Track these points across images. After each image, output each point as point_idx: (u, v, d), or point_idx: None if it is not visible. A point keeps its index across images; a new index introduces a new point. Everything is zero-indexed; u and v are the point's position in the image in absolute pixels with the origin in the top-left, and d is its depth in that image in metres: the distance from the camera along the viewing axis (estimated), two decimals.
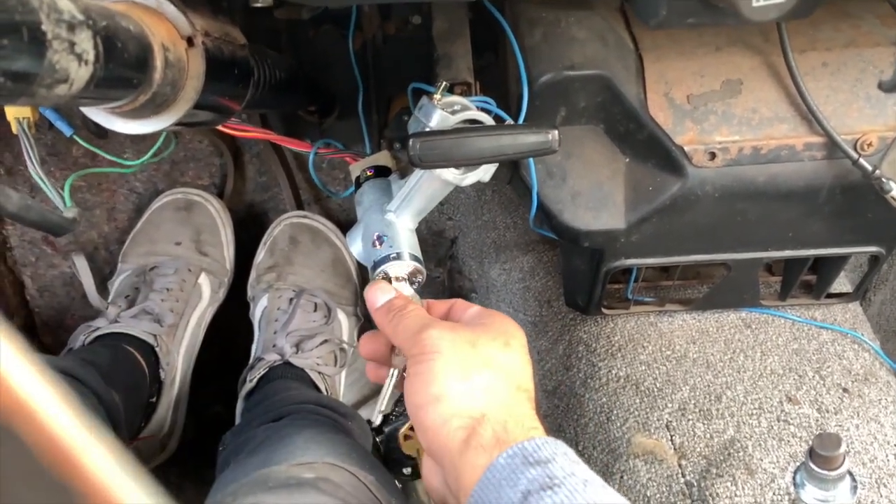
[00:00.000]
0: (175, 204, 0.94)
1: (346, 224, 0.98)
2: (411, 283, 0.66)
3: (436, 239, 1.11)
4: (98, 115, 0.46)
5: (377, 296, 0.51)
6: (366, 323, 0.99)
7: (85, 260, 0.86)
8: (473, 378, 0.42)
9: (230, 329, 0.96)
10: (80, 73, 0.36)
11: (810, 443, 0.52)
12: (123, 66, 0.40)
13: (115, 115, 0.47)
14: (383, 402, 0.52)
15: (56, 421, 0.09)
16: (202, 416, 1.02)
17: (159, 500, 0.10)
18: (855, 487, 0.52)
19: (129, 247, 0.94)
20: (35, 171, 0.54)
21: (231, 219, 0.97)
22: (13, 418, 0.08)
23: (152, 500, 0.10)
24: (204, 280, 0.92)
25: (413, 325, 0.45)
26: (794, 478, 0.53)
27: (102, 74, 0.38)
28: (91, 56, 0.36)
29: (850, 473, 0.52)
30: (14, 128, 0.59)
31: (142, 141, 0.94)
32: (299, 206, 1.02)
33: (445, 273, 1.12)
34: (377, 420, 0.71)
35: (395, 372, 0.50)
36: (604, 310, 0.80)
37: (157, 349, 0.84)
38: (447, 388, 0.41)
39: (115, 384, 0.74)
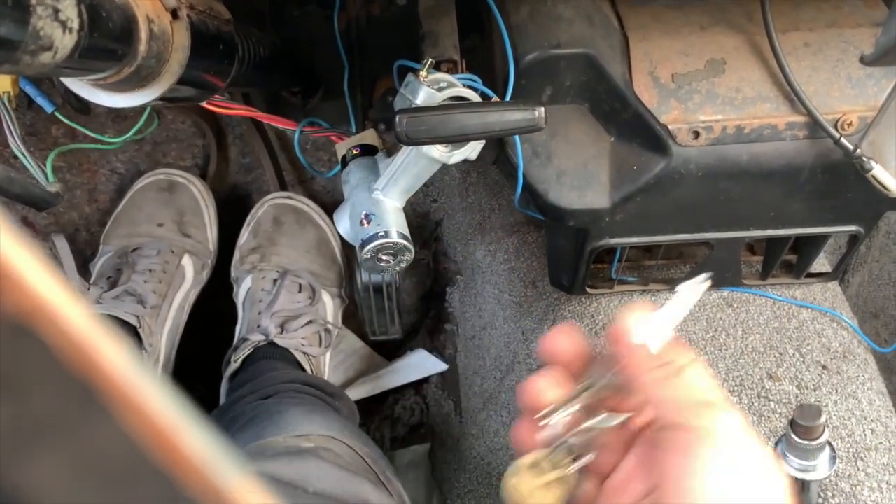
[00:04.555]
0: (157, 185, 0.93)
1: (330, 205, 0.98)
2: (398, 263, 0.66)
3: (421, 221, 1.11)
4: (82, 87, 0.46)
5: (641, 329, 0.33)
6: (350, 304, 0.99)
7: (65, 241, 0.85)
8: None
9: (213, 311, 0.96)
10: (65, 41, 0.35)
11: (791, 415, 0.53)
12: (108, 36, 0.40)
13: (98, 88, 0.46)
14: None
15: (75, 320, 0.09)
16: (185, 398, 1.01)
17: (176, 398, 0.10)
18: (834, 458, 0.53)
19: (111, 228, 0.93)
20: (17, 145, 0.53)
21: (214, 200, 0.96)
22: (34, 318, 0.08)
23: (170, 398, 0.10)
24: (187, 261, 0.91)
25: (697, 391, 0.31)
26: (774, 449, 0.54)
27: (87, 44, 0.37)
28: (76, 24, 0.36)
29: (830, 444, 0.53)
30: None
31: (123, 120, 0.93)
32: (283, 187, 1.02)
33: (430, 255, 1.12)
34: None
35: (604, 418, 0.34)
36: (588, 289, 0.81)
37: (139, 330, 0.83)
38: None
39: None
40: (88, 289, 0.84)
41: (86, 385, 0.08)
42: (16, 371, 0.08)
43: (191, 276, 0.92)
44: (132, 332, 0.83)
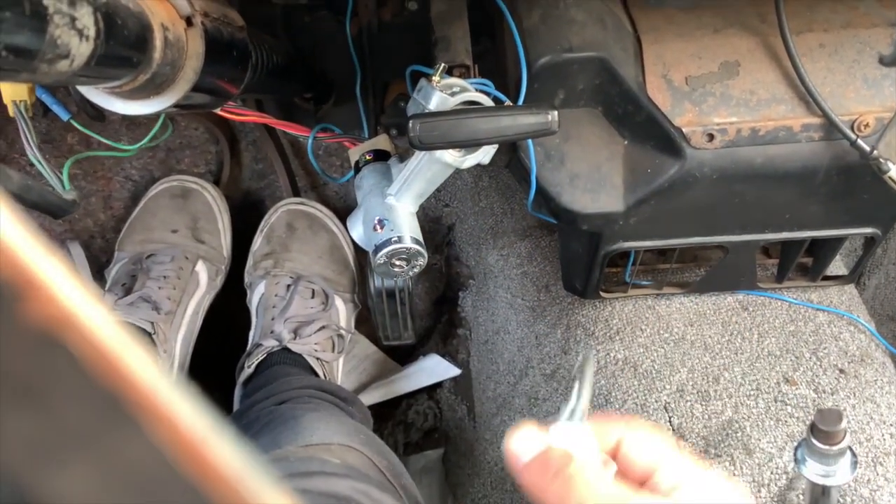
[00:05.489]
0: (171, 191, 0.94)
1: (343, 211, 0.98)
2: (411, 268, 0.66)
3: (433, 226, 1.11)
4: (97, 95, 0.46)
5: (522, 446, 0.32)
6: (363, 309, 0.99)
7: (80, 248, 0.86)
8: None
9: (227, 317, 0.96)
10: (82, 49, 0.36)
11: (809, 421, 0.53)
12: (124, 44, 0.40)
13: (114, 96, 0.46)
14: None
15: (103, 330, 0.09)
16: (208, 406, 1.02)
17: (204, 408, 0.10)
18: (855, 463, 0.52)
19: (126, 235, 0.93)
20: (33, 153, 0.54)
21: (228, 206, 0.97)
22: (61, 328, 0.08)
23: (199, 409, 0.10)
24: (201, 267, 0.91)
25: (590, 498, 0.29)
26: (795, 454, 0.53)
27: (103, 51, 0.37)
28: (92, 32, 0.36)
29: (851, 449, 0.52)
30: (11, 110, 0.59)
31: (138, 127, 0.94)
32: (296, 193, 1.02)
33: (443, 260, 1.12)
34: None
35: None
36: (602, 293, 0.81)
37: (154, 336, 0.83)
38: None
39: None
40: (103, 296, 0.84)
41: (114, 396, 0.08)
42: (43, 381, 0.08)
43: (205, 283, 0.92)
44: (147, 338, 0.84)
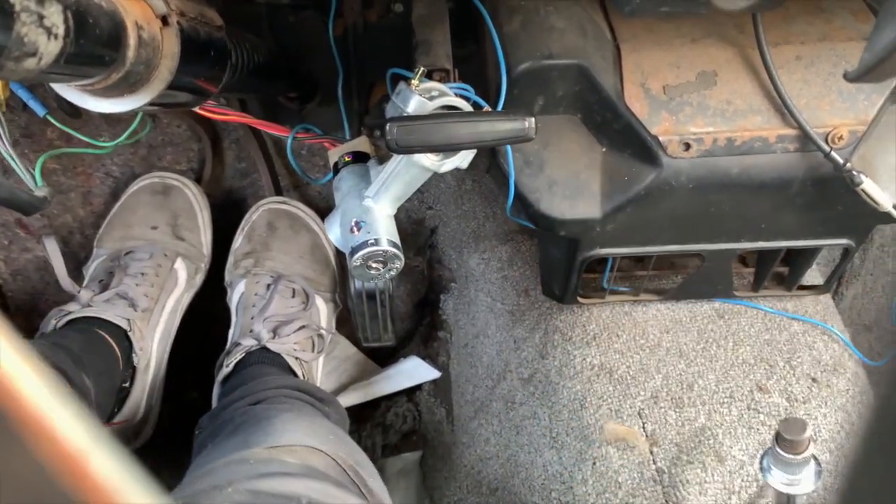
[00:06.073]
0: (152, 188, 0.93)
1: (325, 211, 0.98)
2: (388, 271, 0.66)
3: (416, 228, 1.12)
4: (70, 92, 0.46)
5: None
6: (344, 309, 0.99)
7: (56, 243, 0.85)
8: None
9: (207, 315, 0.96)
10: (50, 48, 0.35)
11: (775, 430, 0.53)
12: (95, 42, 0.40)
13: (87, 94, 0.46)
14: None
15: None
16: (178, 402, 1.01)
17: (91, 425, 0.10)
18: (819, 472, 0.53)
19: (105, 231, 0.93)
20: (5, 149, 0.54)
21: (209, 203, 0.96)
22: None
23: (85, 425, 0.10)
24: (180, 265, 0.91)
25: None
26: (760, 462, 0.54)
27: (73, 50, 0.37)
28: (61, 30, 0.36)
29: (815, 458, 0.53)
30: None
31: (118, 123, 0.93)
32: (278, 192, 1.02)
33: (425, 263, 1.12)
34: None
35: None
36: (580, 299, 0.81)
37: (130, 334, 0.83)
38: None
39: (86, 368, 0.73)
40: (79, 292, 0.84)
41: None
42: None
43: (184, 280, 0.91)
44: (123, 335, 0.83)
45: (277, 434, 0.57)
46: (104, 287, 0.85)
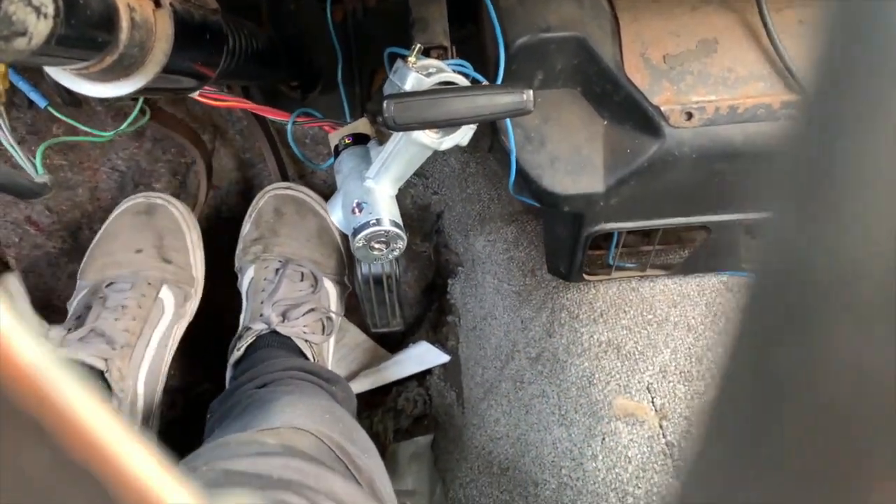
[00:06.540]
0: (135, 209, 0.87)
1: (330, 196, 0.98)
2: (391, 251, 0.66)
3: (422, 214, 1.11)
4: (64, 76, 0.46)
5: None
6: (353, 298, 0.99)
7: (19, 282, 0.77)
8: None
9: (220, 306, 0.96)
10: (40, 28, 0.36)
11: None
12: (86, 23, 0.40)
13: (82, 78, 0.46)
14: None
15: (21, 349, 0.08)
16: (191, 394, 1.02)
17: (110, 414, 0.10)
18: None
19: (87, 262, 0.86)
20: (5, 138, 0.54)
21: (197, 223, 0.90)
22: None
23: (107, 413, 0.10)
24: (166, 293, 0.84)
25: None
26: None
27: (64, 31, 0.37)
28: (50, 10, 0.36)
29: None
30: None
31: (124, 117, 0.93)
32: (284, 178, 1.02)
33: (432, 248, 1.12)
34: None
35: None
36: (585, 276, 0.81)
37: (107, 374, 0.74)
38: None
39: None
40: (49, 330, 0.76)
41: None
42: None
43: (171, 310, 0.84)
44: (99, 376, 0.75)
45: (273, 417, 0.57)
46: (80, 323, 0.77)
